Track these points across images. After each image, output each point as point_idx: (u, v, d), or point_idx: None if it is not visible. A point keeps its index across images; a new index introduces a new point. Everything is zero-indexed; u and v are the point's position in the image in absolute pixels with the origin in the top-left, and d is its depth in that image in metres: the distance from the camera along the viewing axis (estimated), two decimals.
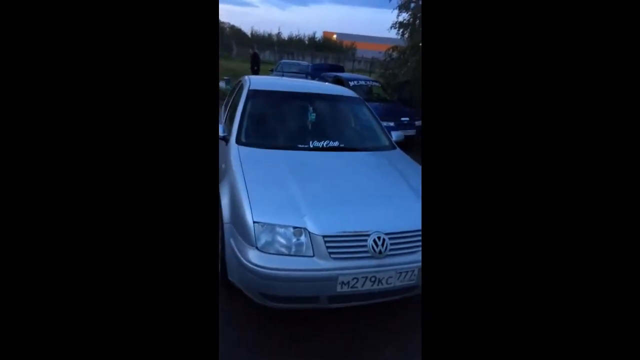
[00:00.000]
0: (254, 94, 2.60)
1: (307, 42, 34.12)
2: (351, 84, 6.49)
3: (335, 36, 38.04)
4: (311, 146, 2.28)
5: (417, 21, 8.04)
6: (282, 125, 2.55)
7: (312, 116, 2.66)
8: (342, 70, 9.59)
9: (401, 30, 8.12)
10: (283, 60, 12.28)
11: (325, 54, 27.31)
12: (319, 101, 2.73)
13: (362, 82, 6.66)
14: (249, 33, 33.16)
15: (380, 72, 9.07)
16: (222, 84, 9.60)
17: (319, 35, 36.11)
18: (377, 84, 6.88)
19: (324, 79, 7.00)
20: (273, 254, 1.51)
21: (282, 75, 10.76)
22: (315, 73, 8.73)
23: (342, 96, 2.79)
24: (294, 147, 2.24)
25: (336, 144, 2.35)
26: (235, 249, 1.61)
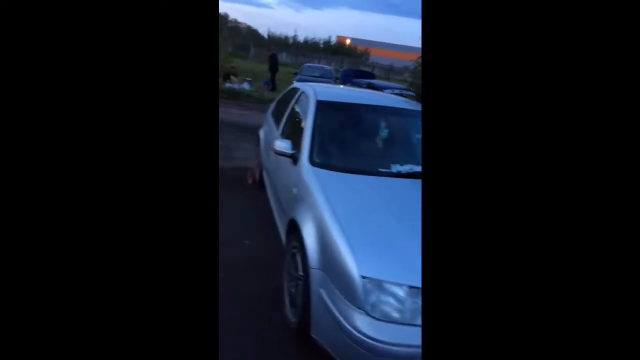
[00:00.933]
0: (323, 106, 2.28)
1: (322, 45, 33.99)
2: (385, 92, 6.20)
3: (348, 41, 37.88)
4: (394, 171, 1.96)
5: None
6: (357, 142, 2.25)
7: (385, 132, 2.34)
8: (373, 76, 9.15)
9: None
10: (307, 64, 11.99)
11: (341, 58, 27.10)
12: (392, 116, 2.42)
13: (397, 91, 6.35)
14: (265, 35, 33.11)
15: (410, 80, 8.76)
16: (245, 85, 9.33)
17: (333, 40, 36.01)
18: (411, 92, 6.56)
19: (355, 86, 6.70)
20: (386, 321, 1.19)
21: (307, 80, 10.56)
22: (346, 79, 8.29)
23: (414, 110, 2.48)
24: (376, 172, 1.93)
25: (419, 169, 2.03)
26: (332, 307, 1.30)
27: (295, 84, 3.16)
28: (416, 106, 2.66)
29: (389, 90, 6.23)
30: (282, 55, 26.80)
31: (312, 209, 1.64)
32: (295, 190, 1.90)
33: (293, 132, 2.45)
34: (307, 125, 2.16)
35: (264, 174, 2.95)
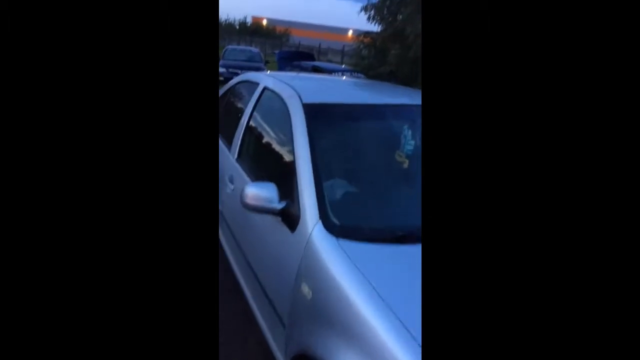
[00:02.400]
0: (317, 115, 1.30)
1: (237, 27, 31.69)
2: (334, 75, 5.37)
3: (265, 21, 36.01)
4: None
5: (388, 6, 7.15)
6: (383, 174, 1.35)
7: (410, 146, 1.49)
8: (313, 58, 7.74)
9: (374, 16, 7.18)
10: (229, 47, 10.41)
11: (261, 40, 25.41)
12: (412, 116, 1.52)
13: (348, 73, 5.56)
14: None
15: (352, 61, 8.05)
16: None
17: (249, 21, 33.82)
18: (361, 75, 5.82)
19: (297, 70, 5.73)
20: None
21: (232, 65, 9.12)
22: (283, 62, 6.94)
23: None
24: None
25: None
26: None
27: (248, 75, 2.12)
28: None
29: (338, 74, 5.41)
30: None
31: (355, 339, 0.77)
32: (306, 291, 0.98)
33: (266, 163, 1.47)
34: (300, 152, 1.18)
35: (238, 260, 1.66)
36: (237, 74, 9.66)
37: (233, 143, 1.73)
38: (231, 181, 1.59)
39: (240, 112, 1.83)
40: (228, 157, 1.71)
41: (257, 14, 44.71)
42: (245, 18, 33.73)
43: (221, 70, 9.43)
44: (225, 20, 31.37)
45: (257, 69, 9.77)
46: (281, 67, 6.83)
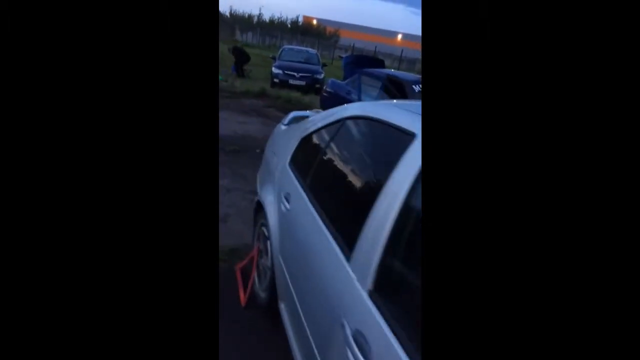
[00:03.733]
0: None
1: (289, 25, 31.61)
2: (416, 87, 4.60)
3: (315, 21, 35.70)
4: None
5: None
6: None
7: None
8: (384, 64, 6.61)
9: None
10: (286, 47, 9.90)
11: (312, 39, 25.03)
12: None
13: None
14: (227, 13, 30.10)
15: (414, 68, 7.26)
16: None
17: (300, 20, 33.69)
18: None
19: (369, 79, 5.02)
20: None
21: (285, 67, 8.50)
22: (350, 68, 6.00)
23: None
24: None
25: None
26: None
27: (369, 110, 1.45)
28: None
29: (418, 87, 4.65)
30: (248, 35, 24.30)
31: None
32: None
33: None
34: None
35: (282, 285, 1.45)
36: (293, 77, 9.13)
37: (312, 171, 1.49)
38: (287, 200, 1.55)
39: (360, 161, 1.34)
40: (292, 178, 1.60)
41: (308, 13, 44.69)
42: (298, 17, 33.63)
43: (276, 71, 8.92)
44: (278, 18, 31.42)
45: (314, 73, 9.11)
46: (348, 74, 6.01)
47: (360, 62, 5.93)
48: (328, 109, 1.76)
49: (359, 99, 4.20)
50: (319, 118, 1.74)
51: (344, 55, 6.27)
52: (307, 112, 2.21)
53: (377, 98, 4.74)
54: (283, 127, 2.11)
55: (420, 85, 4.64)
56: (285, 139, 1.91)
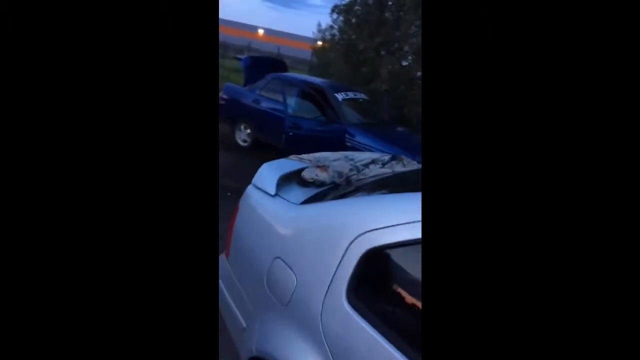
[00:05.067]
0: None
1: None
2: (340, 96, 4.25)
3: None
4: None
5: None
6: None
7: None
8: (285, 67, 5.61)
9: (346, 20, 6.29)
10: None
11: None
12: None
13: (352, 95, 4.48)
14: None
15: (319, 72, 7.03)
16: None
17: None
18: (363, 96, 4.81)
19: (280, 86, 4.44)
20: None
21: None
22: (251, 73, 4.86)
23: None
24: None
25: None
26: None
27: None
28: None
29: (343, 94, 4.32)
30: None
31: None
32: None
33: None
34: None
35: None
36: None
37: None
38: None
39: None
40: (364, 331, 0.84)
41: None
42: None
43: None
44: None
45: None
46: (249, 78, 4.91)
47: (262, 64, 5.22)
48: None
49: (285, 111, 3.62)
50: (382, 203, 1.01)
51: (241, 57, 5.42)
52: (297, 162, 1.47)
53: (295, 107, 4.23)
54: (269, 201, 1.22)
55: (344, 93, 4.31)
56: (305, 241, 1.03)
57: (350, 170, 1.46)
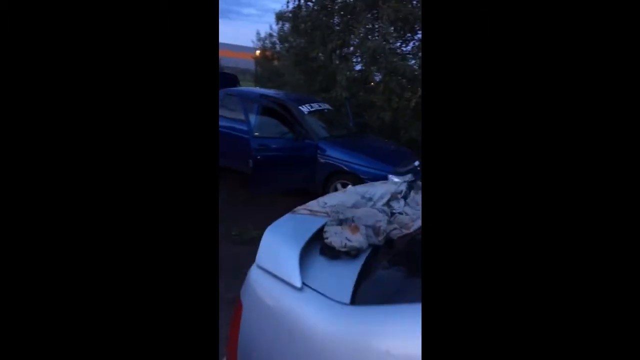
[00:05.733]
0: None
1: None
2: (304, 109, 3.87)
3: None
4: None
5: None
6: None
7: None
8: (236, 81, 5.63)
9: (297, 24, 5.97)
10: None
11: None
12: None
13: (317, 107, 4.12)
14: None
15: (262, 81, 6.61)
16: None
17: None
18: (327, 106, 4.47)
19: (237, 102, 3.97)
20: None
21: None
22: None
23: None
24: None
25: None
26: None
27: None
28: None
29: (308, 107, 3.94)
30: None
31: None
32: None
33: None
34: None
35: None
36: None
37: None
38: None
39: None
40: None
41: None
42: None
43: None
44: None
45: None
46: None
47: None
48: None
49: (250, 130, 3.17)
50: None
51: None
52: (309, 217, 1.09)
53: (258, 125, 3.78)
54: (296, 298, 0.83)
55: (309, 105, 3.94)
56: None
57: (382, 220, 1.09)
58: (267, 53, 13.59)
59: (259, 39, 14.48)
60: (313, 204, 1.19)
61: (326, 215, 1.09)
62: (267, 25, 16.59)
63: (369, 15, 5.38)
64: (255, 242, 0.95)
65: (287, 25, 6.58)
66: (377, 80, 5.35)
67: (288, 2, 6.20)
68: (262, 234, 0.95)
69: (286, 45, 6.50)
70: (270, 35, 13.59)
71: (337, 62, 5.99)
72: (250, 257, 0.98)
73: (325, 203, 1.19)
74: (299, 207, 1.18)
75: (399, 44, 5.69)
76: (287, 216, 1.11)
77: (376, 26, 5.50)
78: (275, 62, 13.32)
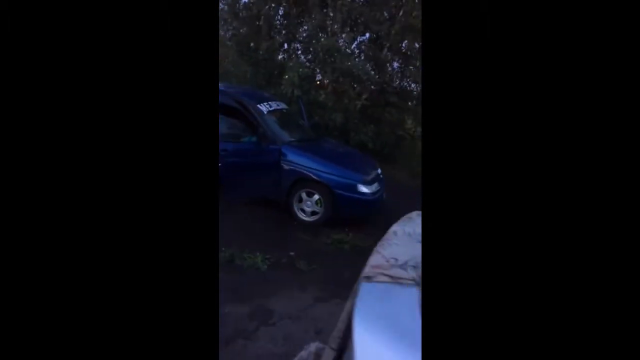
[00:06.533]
0: None
1: None
2: (263, 108, 3.50)
3: None
4: None
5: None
6: None
7: None
8: None
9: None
10: None
11: None
12: None
13: (275, 106, 3.77)
14: None
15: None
16: None
17: None
18: (284, 105, 4.14)
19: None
20: None
21: None
22: None
23: None
24: None
25: None
26: None
27: None
28: None
29: (267, 105, 3.57)
30: None
31: None
32: None
33: None
34: None
35: None
36: None
37: None
38: None
39: None
40: None
41: None
42: None
43: None
44: None
45: None
46: None
47: None
48: None
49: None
50: None
51: None
52: (394, 287, 0.85)
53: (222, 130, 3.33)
54: None
55: (267, 104, 3.60)
56: None
57: None
58: None
59: None
60: (384, 264, 0.97)
61: (414, 284, 0.89)
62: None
63: (321, 12, 5.17)
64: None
65: (226, 10, 5.98)
66: (330, 79, 5.20)
67: None
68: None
69: (229, 30, 5.92)
70: None
71: (284, 56, 5.68)
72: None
73: (397, 260, 0.98)
74: (369, 270, 0.94)
75: (348, 44, 5.61)
76: (366, 290, 0.87)
77: (328, 23, 5.33)
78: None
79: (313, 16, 5.04)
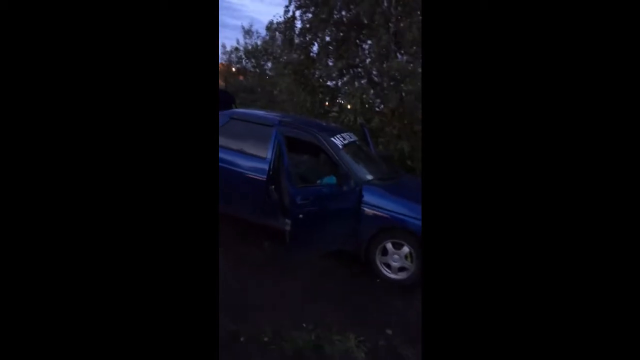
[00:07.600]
0: None
1: None
2: (338, 142, 3.00)
3: None
4: None
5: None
6: None
7: None
8: (232, 100, 4.02)
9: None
10: None
11: None
12: None
13: (348, 139, 3.26)
14: None
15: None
16: None
17: None
18: (354, 137, 3.64)
19: (245, 128, 3.00)
20: None
21: None
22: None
23: None
24: None
25: None
26: None
27: None
28: None
29: (341, 139, 3.07)
30: None
31: None
32: None
33: None
34: None
35: None
36: None
37: None
38: None
39: None
40: None
41: None
42: None
43: None
44: None
45: None
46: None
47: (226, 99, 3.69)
48: None
49: (289, 176, 2.25)
50: None
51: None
52: None
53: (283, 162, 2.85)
54: None
55: (340, 137, 3.09)
56: None
57: None
58: (231, 67, 12.99)
59: (224, 53, 13.64)
60: None
61: None
62: (226, 39, 16.16)
63: (387, 33, 4.72)
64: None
65: (279, 39, 5.73)
66: (398, 106, 4.67)
67: (287, 10, 5.39)
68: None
69: (282, 60, 5.64)
70: (237, 49, 13.02)
71: (343, 80, 5.26)
72: None
73: None
74: None
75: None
76: None
77: (392, 46, 4.86)
78: (241, 78, 12.58)
79: (381, 37, 4.58)
